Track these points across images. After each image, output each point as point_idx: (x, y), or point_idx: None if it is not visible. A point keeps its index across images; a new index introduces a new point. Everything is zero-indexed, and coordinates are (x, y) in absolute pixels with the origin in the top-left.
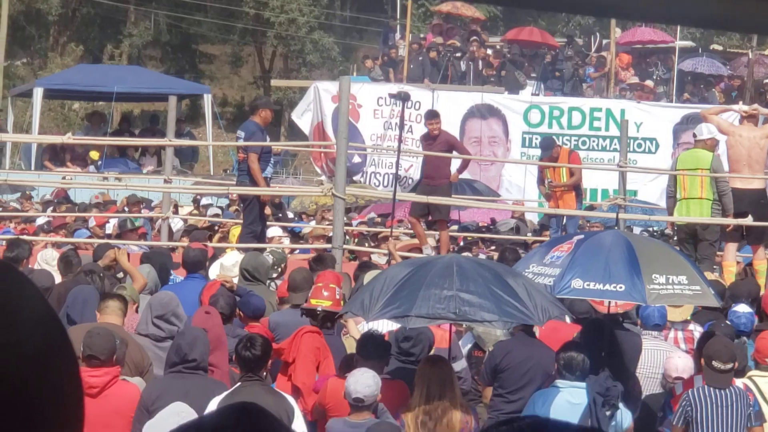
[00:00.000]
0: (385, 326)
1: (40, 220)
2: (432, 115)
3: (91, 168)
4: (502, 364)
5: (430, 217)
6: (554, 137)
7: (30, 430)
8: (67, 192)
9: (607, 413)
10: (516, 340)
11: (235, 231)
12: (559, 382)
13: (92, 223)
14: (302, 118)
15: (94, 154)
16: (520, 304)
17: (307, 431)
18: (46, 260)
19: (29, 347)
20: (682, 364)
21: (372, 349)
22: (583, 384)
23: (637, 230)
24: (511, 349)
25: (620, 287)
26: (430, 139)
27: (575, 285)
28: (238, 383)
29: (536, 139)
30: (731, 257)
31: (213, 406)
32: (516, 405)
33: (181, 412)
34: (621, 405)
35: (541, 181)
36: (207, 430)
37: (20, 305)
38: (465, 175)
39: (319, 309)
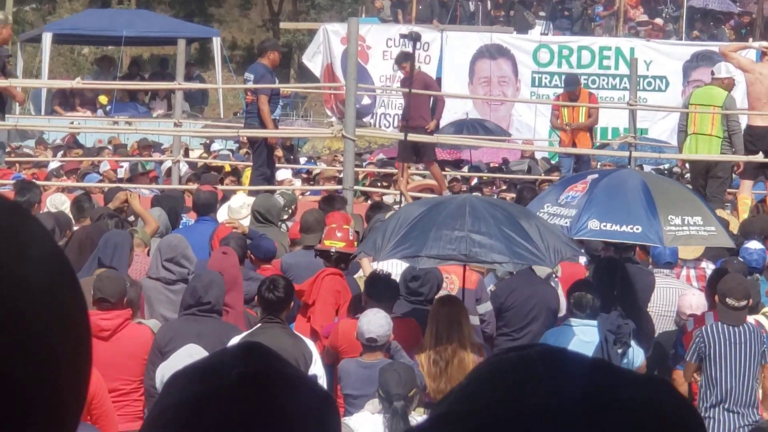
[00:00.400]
0: (395, 267)
1: (52, 165)
2: (402, 59)
3: (100, 112)
4: (506, 303)
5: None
6: (579, 76)
7: (39, 362)
8: (75, 137)
9: (619, 351)
10: (519, 279)
11: (248, 173)
12: (571, 321)
13: (104, 167)
14: (313, 60)
15: (103, 99)
16: (531, 246)
17: (325, 375)
18: (54, 205)
19: (38, 282)
20: (696, 301)
21: (381, 290)
22: (595, 322)
23: (647, 168)
24: (515, 287)
25: (637, 228)
26: (406, 82)
27: (592, 226)
28: (258, 324)
29: (545, 78)
30: (746, 192)
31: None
32: (521, 342)
33: (194, 354)
34: (633, 343)
35: (556, 117)
36: (213, 369)
37: (28, 242)
38: (475, 115)
39: (333, 250)
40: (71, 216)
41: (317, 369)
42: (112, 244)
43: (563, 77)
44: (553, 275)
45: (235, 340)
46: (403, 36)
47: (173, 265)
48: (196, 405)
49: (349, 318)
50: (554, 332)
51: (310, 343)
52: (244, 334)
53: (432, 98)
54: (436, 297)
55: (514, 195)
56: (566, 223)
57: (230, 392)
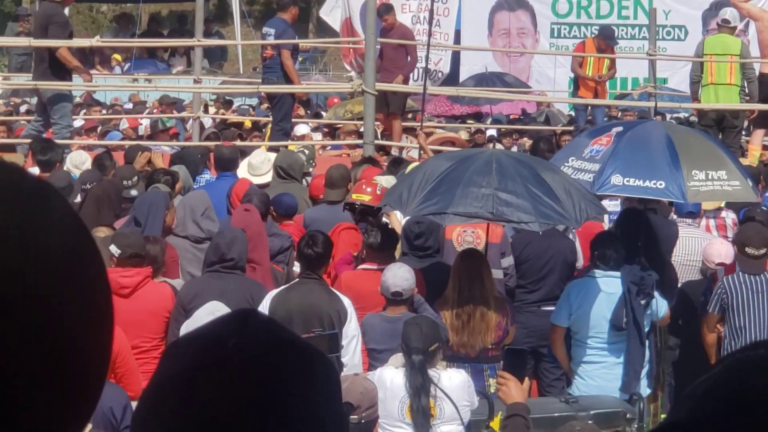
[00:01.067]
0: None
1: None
2: (385, 11)
3: (117, 69)
4: (522, 255)
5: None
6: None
7: (59, 331)
8: (92, 95)
9: (642, 302)
10: (534, 232)
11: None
12: (595, 272)
13: (124, 125)
14: (331, 14)
15: (118, 57)
16: (557, 205)
17: (360, 334)
18: (75, 164)
19: (56, 253)
20: (725, 250)
21: (380, 239)
22: (618, 273)
23: (668, 118)
24: (531, 240)
25: (660, 184)
26: (385, 33)
27: (615, 181)
28: (296, 279)
29: (564, 29)
30: (757, 141)
31: (266, 302)
32: (538, 294)
33: (216, 311)
34: (656, 294)
35: (579, 65)
36: (209, 339)
37: (44, 213)
38: (495, 67)
39: (358, 203)
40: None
41: (352, 329)
42: (147, 204)
43: (589, 25)
44: (570, 227)
45: (270, 295)
46: None
47: (205, 220)
48: (193, 376)
49: (351, 269)
50: (577, 283)
51: (347, 301)
52: (281, 289)
53: (406, 53)
54: (460, 251)
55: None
56: (590, 178)
57: (227, 362)
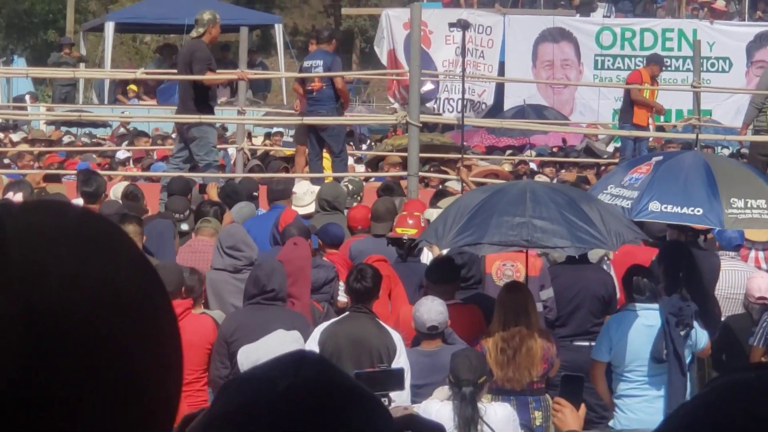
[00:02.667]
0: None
1: (120, 154)
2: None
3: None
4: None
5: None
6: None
7: (130, 376)
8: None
9: (681, 333)
10: (565, 265)
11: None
12: (632, 305)
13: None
14: (378, 46)
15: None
16: (593, 229)
17: (409, 368)
18: (117, 196)
19: (126, 298)
20: (765, 284)
21: (442, 273)
22: (656, 305)
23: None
24: (558, 274)
25: (698, 211)
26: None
27: (653, 208)
28: (346, 313)
29: (608, 61)
30: None
31: (316, 335)
32: (568, 329)
33: (284, 340)
34: (696, 325)
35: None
36: (262, 379)
37: (114, 256)
38: (538, 99)
39: (405, 237)
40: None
41: (402, 361)
42: (156, 233)
43: (633, 57)
44: (605, 258)
45: (319, 329)
46: (452, 25)
47: (235, 251)
48: (242, 418)
49: (409, 305)
50: (616, 317)
51: (396, 336)
52: (331, 322)
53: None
54: (504, 284)
55: (574, 174)
56: (628, 204)
57: (277, 403)
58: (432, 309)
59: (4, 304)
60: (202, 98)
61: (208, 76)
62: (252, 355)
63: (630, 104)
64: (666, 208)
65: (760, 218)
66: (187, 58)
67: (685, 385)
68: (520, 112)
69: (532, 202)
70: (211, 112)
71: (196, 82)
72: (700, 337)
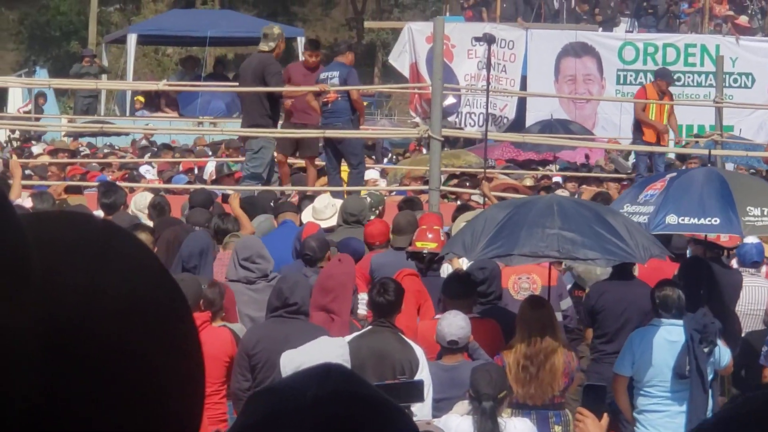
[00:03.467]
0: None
1: (143, 167)
2: (312, 47)
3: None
4: (597, 305)
5: (297, 154)
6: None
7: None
8: (148, 138)
9: (705, 350)
10: (611, 281)
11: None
12: (657, 321)
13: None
14: (399, 59)
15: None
16: (621, 242)
17: (431, 383)
18: (139, 207)
19: (148, 312)
20: None
21: (458, 288)
22: (681, 321)
23: (729, 166)
24: (606, 289)
25: (715, 221)
26: (308, 71)
27: (670, 221)
28: (369, 327)
29: (631, 76)
30: None
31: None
32: (615, 345)
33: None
34: (719, 342)
35: (642, 109)
36: (289, 390)
37: (135, 271)
38: (561, 114)
39: (425, 251)
40: (149, 218)
41: (424, 375)
42: (198, 248)
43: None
44: (632, 274)
45: (343, 342)
46: (477, 39)
47: (250, 263)
48: (270, 426)
49: (428, 320)
50: (640, 332)
51: (419, 350)
52: (353, 336)
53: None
54: (526, 298)
55: (594, 189)
56: (644, 219)
57: (304, 413)
58: (453, 323)
59: (24, 318)
60: (274, 111)
61: (287, 88)
62: (296, 360)
63: (638, 122)
64: (683, 220)
65: None
66: (259, 72)
67: (707, 402)
68: (547, 126)
69: (560, 214)
70: (274, 126)
71: (271, 95)
72: (723, 354)
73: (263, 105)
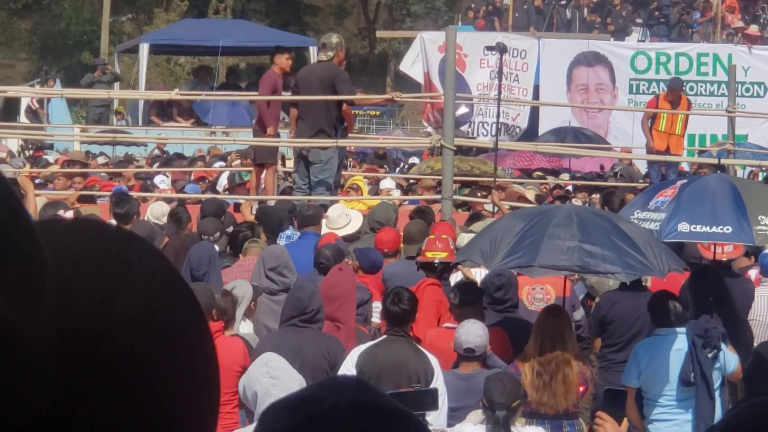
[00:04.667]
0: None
1: (158, 177)
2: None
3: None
4: (608, 315)
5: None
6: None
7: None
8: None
9: (709, 355)
10: (623, 291)
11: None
12: (659, 330)
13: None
14: (412, 68)
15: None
16: (640, 256)
17: (446, 392)
18: (155, 215)
19: (164, 322)
20: None
21: (463, 296)
22: (683, 329)
23: (741, 173)
24: (618, 300)
25: (727, 229)
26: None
27: (681, 228)
28: (383, 336)
29: (643, 85)
30: None
31: (354, 358)
32: (624, 354)
33: (269, 362)
34: (724, 347)
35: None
36: (306, 400)
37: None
38: (573, 123)
39: (437, 261)
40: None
41: (439, 385)
42: (206, 258)
43: (667, 81)
44: (643, 284)
45: (357, 350)
46: (489, 48)
47: (276, 275)
48: None
49: (437, 328)
50: (644, 343)
51: (433, 359)
52: (368, 345)
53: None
54: (544, 308)
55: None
56: (656, 226)
57: (323, 421)
58: (470, 331)
59: (41, 328)
60: (340, 120)
61: (359, 97)
62: (247, 385)
63: (649, 131)
64: (695, 228)
65: None
66: (327, 81)
67: (713, 408)
68: (562, 132)
69: (580, 226)
70: (337, 134)
71: (340, 104)
72: (729, 359)
73: (331, 113)
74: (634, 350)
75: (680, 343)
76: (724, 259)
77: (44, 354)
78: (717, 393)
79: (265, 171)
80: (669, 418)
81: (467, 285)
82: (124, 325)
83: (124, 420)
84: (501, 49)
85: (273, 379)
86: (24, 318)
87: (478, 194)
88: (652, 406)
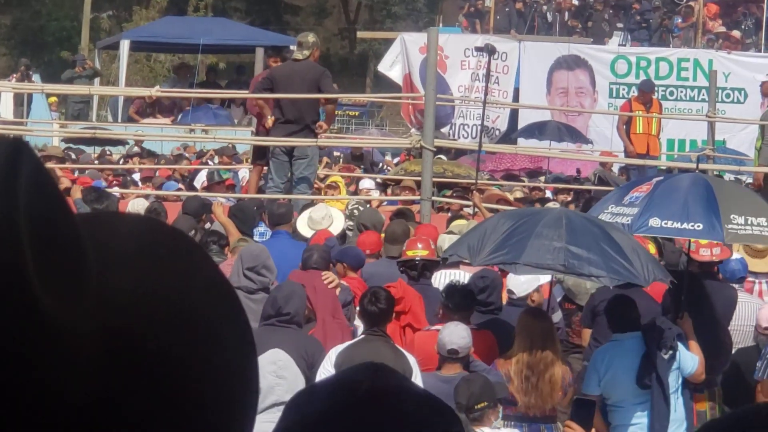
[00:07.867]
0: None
1: (137, 176)
2: (275, 53)
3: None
4: (599, 307)
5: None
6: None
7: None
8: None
9: (665, 356)
10: (618, 289)
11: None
12: (616, 336)
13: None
14: (392, 69)
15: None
16: (626, 263)
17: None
18: (137, 210)
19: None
20: None
21: (459, 300)
22: (639, 333)
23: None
24: (608, 297)
25: (698, 226)
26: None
27: (653, 223)
28: (361, 336)
29: (623, 89)
30: None
31: (332, 357)
32: None
33: (278, 360)
34: (681, 347)
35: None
36: (341, 385)
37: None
38: (563, 120)
39: (418, 259)
40: None
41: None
42: None
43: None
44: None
45: (335, 351)
46: (478, 49)
47: (254, 274)
48: (324, 420)
49: (426, 330)
50: (601, 351)
51: (411, 359)
52: (346, 345)
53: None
54: (524, 309)
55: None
56: (628, 221)
57: (359, 406)
58: (454, 333)
59: (83, 320)
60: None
61: (342, 95)
62: None
63: (627, 135)
64: (666, 223)
65: (761, 235)
66: (312, 79)
67: (668, 410)
68: (543, 124)
69: (568, 228)
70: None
71: (321, 102)
72: (687, 359)
73: (317, 112)
74: (593, 358)
75: (636, 346)
76: (715, 260)
77: (87, 346)
78: (678, 393)
79: (251, 171)
80: (632, 422)
81: (461, 289)
82: (163, 322)
83: (162, 415)
84: (490, 50)
85: (279, 378)
86: (67, 310)
87: (453, 194)
88: (615, 412)
